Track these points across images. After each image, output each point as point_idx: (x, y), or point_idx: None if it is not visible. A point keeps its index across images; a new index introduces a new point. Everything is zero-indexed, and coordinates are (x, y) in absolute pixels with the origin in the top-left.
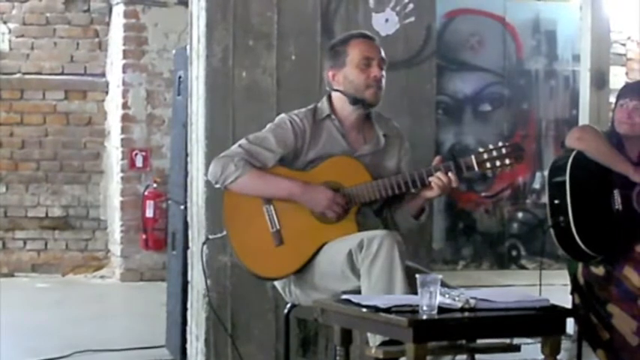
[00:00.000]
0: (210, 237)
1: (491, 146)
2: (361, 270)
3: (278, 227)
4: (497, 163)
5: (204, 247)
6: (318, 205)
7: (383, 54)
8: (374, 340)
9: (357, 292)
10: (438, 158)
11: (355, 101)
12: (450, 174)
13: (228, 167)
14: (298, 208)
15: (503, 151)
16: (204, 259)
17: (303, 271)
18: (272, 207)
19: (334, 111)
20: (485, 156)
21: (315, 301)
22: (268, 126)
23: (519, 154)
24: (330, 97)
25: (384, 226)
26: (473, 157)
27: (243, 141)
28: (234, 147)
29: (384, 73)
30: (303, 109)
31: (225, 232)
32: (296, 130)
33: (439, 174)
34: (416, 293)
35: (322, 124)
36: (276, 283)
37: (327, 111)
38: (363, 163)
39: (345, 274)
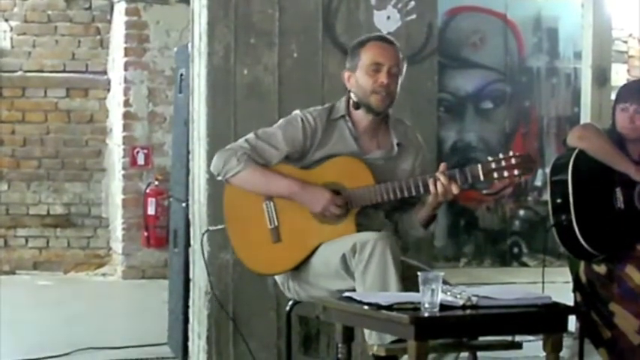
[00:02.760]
0: (211, 228)
1: (501, 156)
2: (355, 274)
3: (276, 224)
4: (505, 173)
5: (206, 240)
6: (315, 205)
7: (400, 60)
8: (372, 338)
9: (353, 290)
10: (443, 165)
11: (358, 106)
12: (452, 182)
13: (231, 161)
14: (298, 206)
15: (513, 161)
16: (205, 255)
17: (299, 268)
18: (272, 203)
19: (350, 112)
20: (493, 165)
21: (317, 299)
22: (280, 121)
23: (529, 166)
24: (349, 98)
25: (395, 229)
26: (479, 166)
27: (251, 135)
28: (241, 141)
29: (399, 80)
30: (319, 107)
31: (224, 225)
32: (306, 129)
33: (442, 179)
34: (418, 291)
35: (336, 123)
36: (276, 278)
37: (342, 111)
38: (367, 165)
39: (339, 274)
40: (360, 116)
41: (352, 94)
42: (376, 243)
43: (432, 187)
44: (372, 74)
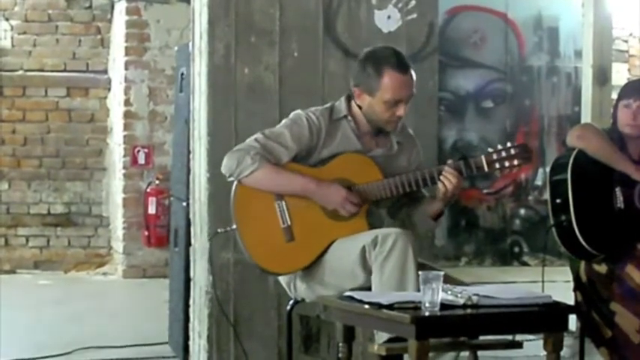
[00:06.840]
0: (219, 230)
1: (500, 147)
2: (373, 266)
3: (289, 223)
4: (506, 163)
5: (211, 241)
6: (331, 202)
7: (414, 88)
8: (379, 337)
9: (365, 289)
10: (450, 162)
11: (371, 124)
12: (458, 173)
13: (245, 160)
14: (310, 204)
15: (512, 151)
16: (208, 255)
17: (311, 267)
18: (284, 203)
19: (351, 112)
20: (495, 156)
21: (319, 298)
22: (284, 121)
23: (527, 156)
24: (349, 99)
25: (400, 227)
26: (483, 157)
27: (259, 135)
28: (250, 140)
29: (408, 105)
30: (320, 107)
31: (234, 226)
32: (312, 127)
33: (449, 175)
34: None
35: (338, 123)
36: (280, 278)
37: (344, 111)
38: (374, 160)
39: (354, 271)
40: (364, 121)
41: (358, 109)
42: (398, 237)
43: (442, 178)
44: (390, 108)
